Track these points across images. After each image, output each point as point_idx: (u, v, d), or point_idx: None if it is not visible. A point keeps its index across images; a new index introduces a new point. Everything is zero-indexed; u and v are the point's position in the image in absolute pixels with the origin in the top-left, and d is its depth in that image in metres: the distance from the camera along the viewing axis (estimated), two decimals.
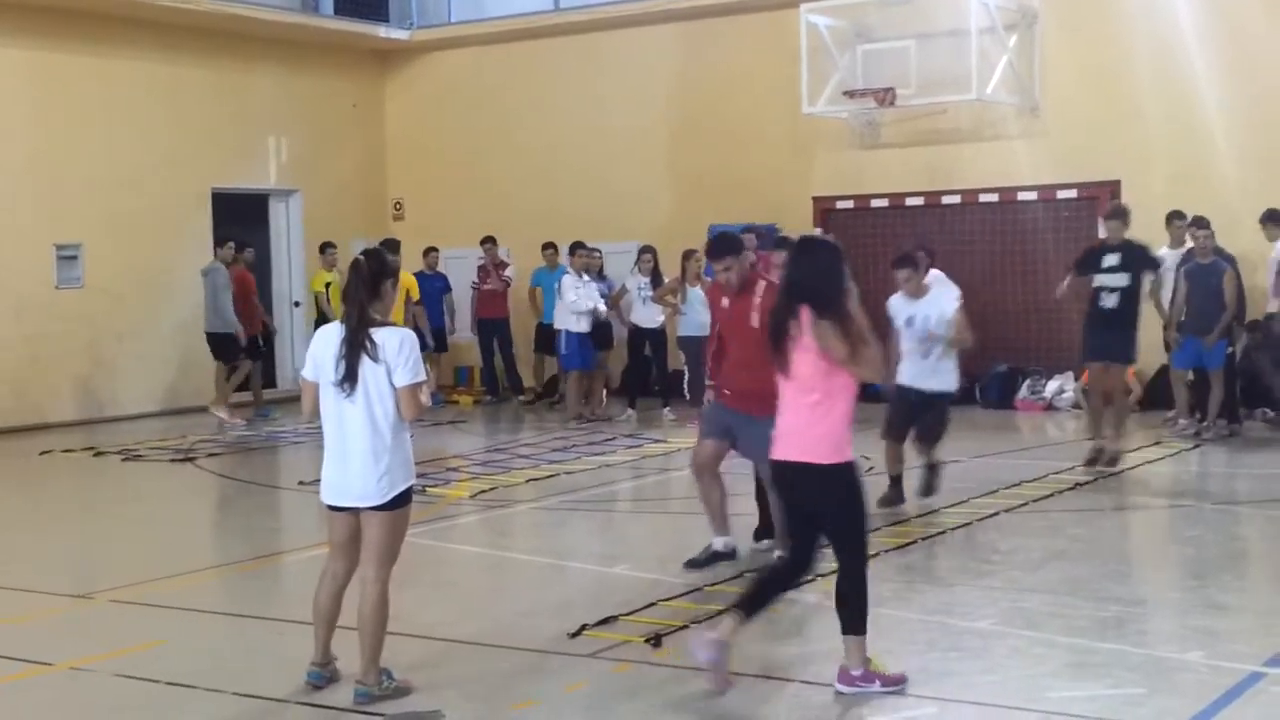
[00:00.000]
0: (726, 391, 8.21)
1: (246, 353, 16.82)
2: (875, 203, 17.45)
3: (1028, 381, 16.33)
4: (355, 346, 5.92)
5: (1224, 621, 7.18)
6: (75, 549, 10.15)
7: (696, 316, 14.69)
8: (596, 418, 16.17)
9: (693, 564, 8.38)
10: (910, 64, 16.36)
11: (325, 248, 17.69)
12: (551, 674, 6.45)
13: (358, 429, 5.97)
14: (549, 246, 17.79)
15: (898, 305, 10.20)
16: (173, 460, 13.83)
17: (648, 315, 16.41)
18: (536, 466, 12.75)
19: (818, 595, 7.43)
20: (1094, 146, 16.19)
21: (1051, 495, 10.59)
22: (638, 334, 16.68)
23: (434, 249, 18.68)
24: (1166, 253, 14.42)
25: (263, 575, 9.08)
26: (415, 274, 17.03)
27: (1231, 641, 6.76)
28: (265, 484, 12.92)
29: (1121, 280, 11.86)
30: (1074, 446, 12.70)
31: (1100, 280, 11.96)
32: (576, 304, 16.11)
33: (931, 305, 10.07)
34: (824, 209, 17.69)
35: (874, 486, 9.25)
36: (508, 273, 18.54)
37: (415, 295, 16.13)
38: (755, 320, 7.79)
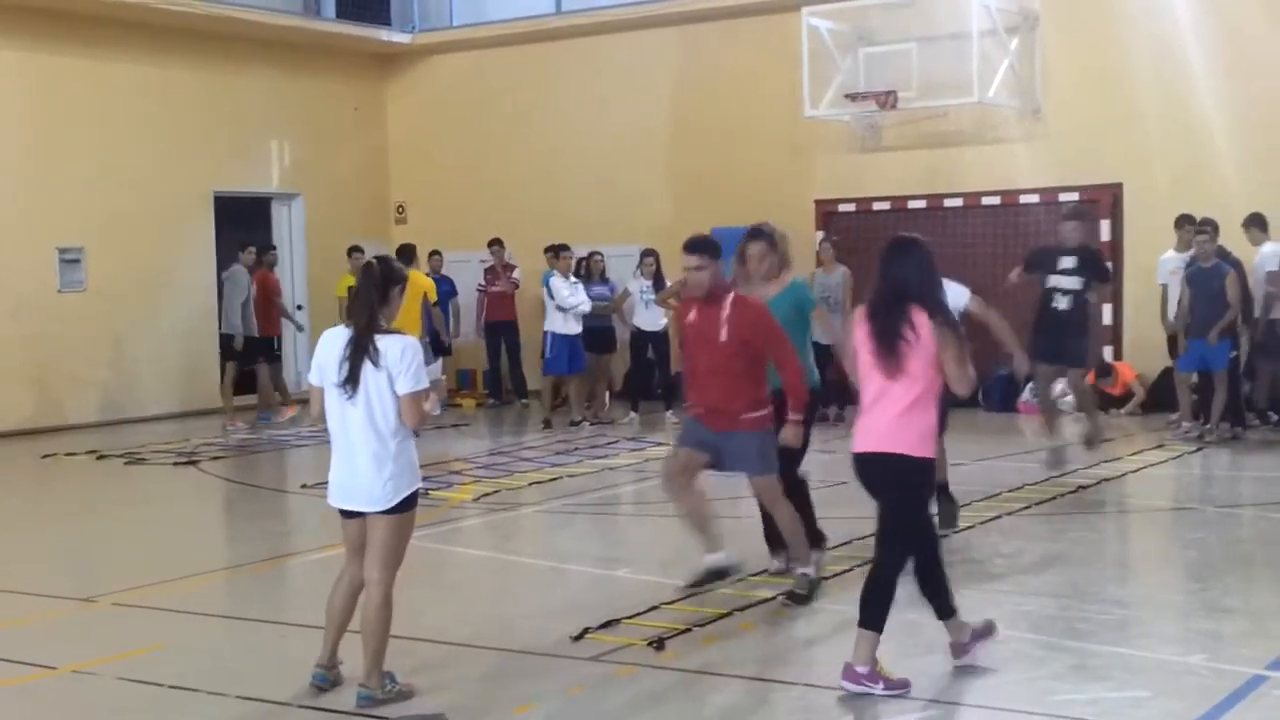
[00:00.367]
0: (700, 409, 7.74)
1: (264, 355, 16.85)
2: (877, 205, 17.45)
3: (1030, 385, 16.30)
4: (360, 350, 5.96)
5: (1227, 624, 7.19)
6: (78, 552, 10.16)
7: None
8: (599, 420, 16.19)
9: (693, 586, 7.79)
10: (912, 67, 16.38)
11: (352, 251, 17.31)
12: (554, 677, 6.45)
13: (360, 432, 6.00)
14: (550, 250, 17.75)
15: None
16: (176, 463, 13.84)
17: (650, 318, 16.40)
18: (539, 470, 12.76)
19: (822, 601, 7.44)
20: (1095, 149, 16.19)
21: (1054, 498, 10.58)
22: (640, 337, 16.68)
23: (437, 252, 18.67)
24: (1173, 256, 14.42)
25: (265, 578, 9.08)
26: None
27: (1234, 644, 6.76)
28: (268, 487, 12.93)
29: (1075, 283, 11.83)
30: (1073, 449, 12.68)
31: (1054, 281, 11.88)
32: (578, 305, 16.06)
33: None
34: (826, 212, 17.70)
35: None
36: (515, 275, 18.51)
37: (433, 298, 15.83)
38: (724, 334, 7.47)
